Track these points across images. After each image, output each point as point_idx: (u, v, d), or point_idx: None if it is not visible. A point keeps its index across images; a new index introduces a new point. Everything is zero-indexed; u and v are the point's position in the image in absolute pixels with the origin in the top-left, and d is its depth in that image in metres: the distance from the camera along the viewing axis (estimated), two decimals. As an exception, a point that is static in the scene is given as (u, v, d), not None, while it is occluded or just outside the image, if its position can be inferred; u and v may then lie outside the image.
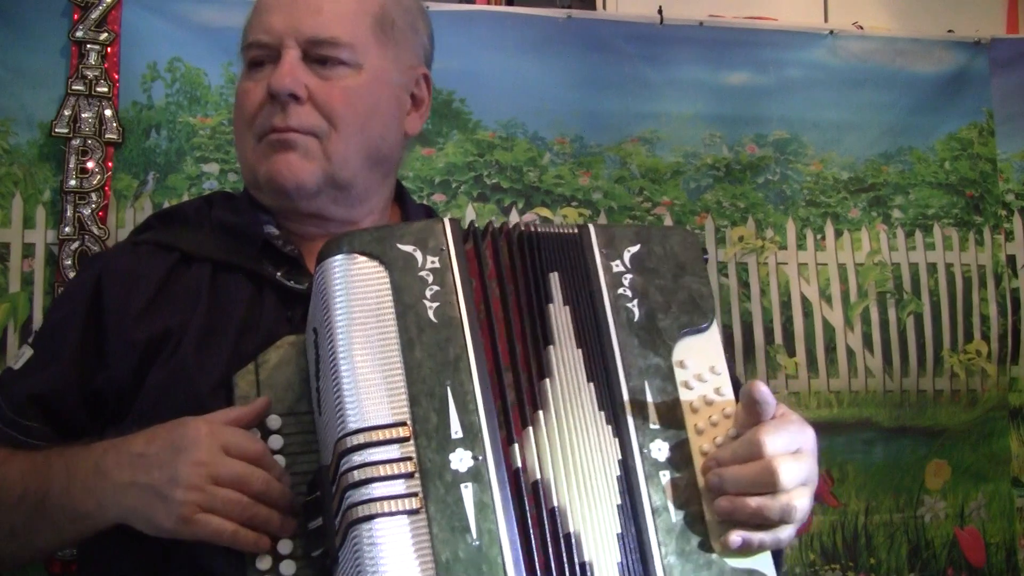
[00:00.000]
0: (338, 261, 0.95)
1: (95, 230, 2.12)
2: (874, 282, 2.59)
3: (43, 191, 2.15)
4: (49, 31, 2.17)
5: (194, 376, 1.10)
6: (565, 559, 0.89)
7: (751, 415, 0.96)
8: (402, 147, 1.30)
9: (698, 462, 0.96)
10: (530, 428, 0.93)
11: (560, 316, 0.99)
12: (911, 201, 2.64)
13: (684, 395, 0.99)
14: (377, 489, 0.86)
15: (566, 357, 0.98)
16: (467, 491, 0.87)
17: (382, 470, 0.87)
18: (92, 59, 2.17)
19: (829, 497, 2.47)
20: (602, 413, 0.96)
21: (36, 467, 1.06)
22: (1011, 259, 2.68)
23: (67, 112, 2.15)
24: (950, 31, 2.71)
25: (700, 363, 1.01)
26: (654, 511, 0.93)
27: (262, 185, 1.21)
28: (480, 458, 0.88)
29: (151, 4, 2.23)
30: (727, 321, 2.47)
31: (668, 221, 2.48)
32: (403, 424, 0.88)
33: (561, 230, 1.04)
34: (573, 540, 0.90)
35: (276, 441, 1.00)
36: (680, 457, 0.96)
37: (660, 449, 0.96)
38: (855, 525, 2.48)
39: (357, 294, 0.93)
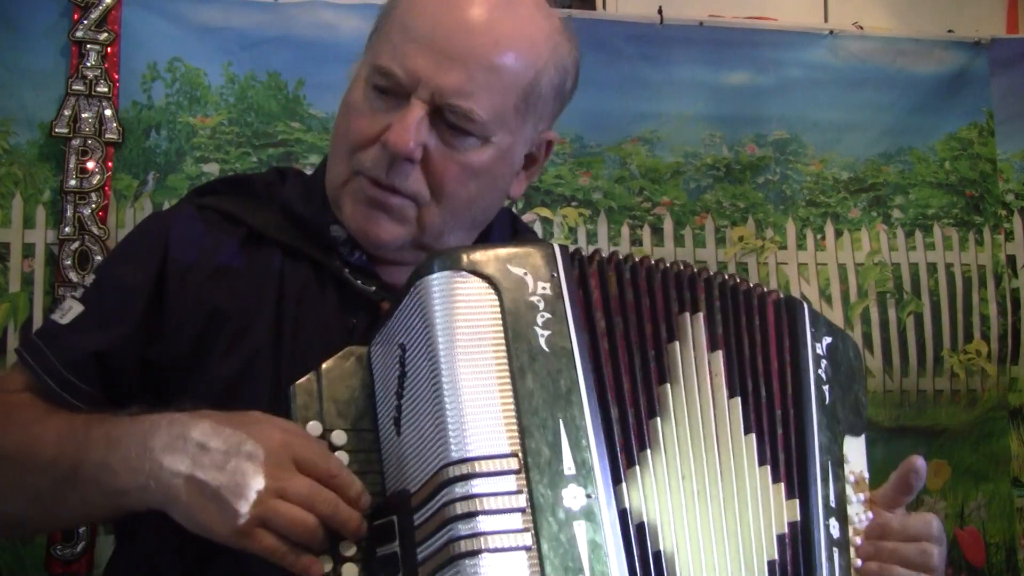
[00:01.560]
0: (443, 277, 0.87)
1: (95, 230, 2.12)
2: (874, 282, 2.59)
3: (43, 191, 2.15)
4: (49, 31, 2.18)
5: (262, 380, 1.05)
6: None
7: (902, 484, 1.03)
8: (499, 207, 1.21)
9: (852, 554, 0.99)
10: (636, 468, 0.89)
11: (693, 358, 0.96)
12: (911, 201, 2.64)
13: (847, 489, 1.02)
14: (485, 524, 0.81)
15: (697, 399, 0.95)
16: (580, 529, 0.82)
17: (491, 503, 0.81)
18: (92, 59, 2.17)
19: (829, 497, 2.47)
20: (765, 468, 0.95)
21: (74, 431, 0.97)
22: (1011, 259, 2.68)
23: (67, 112, 2.15)
24: (950, 31, 2.71)
25: (856, 465, 1.04)
26: None
27: (344, 222, 1.13)
28: (593, 496, 0.84)
29: (151, 4, 2.23)
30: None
31: (668, 221, 2.49)
32: (514, 455, 0.83)
33: (754, 288, 1.04)
34: None
35: (342, 458, 0.94)
36: (845, 542, 0.98)
37: (834, 527, 0.97)
38: (855, 525, 2.48)
39: (463, 314, 0.86)
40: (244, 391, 1.00)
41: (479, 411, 0.84)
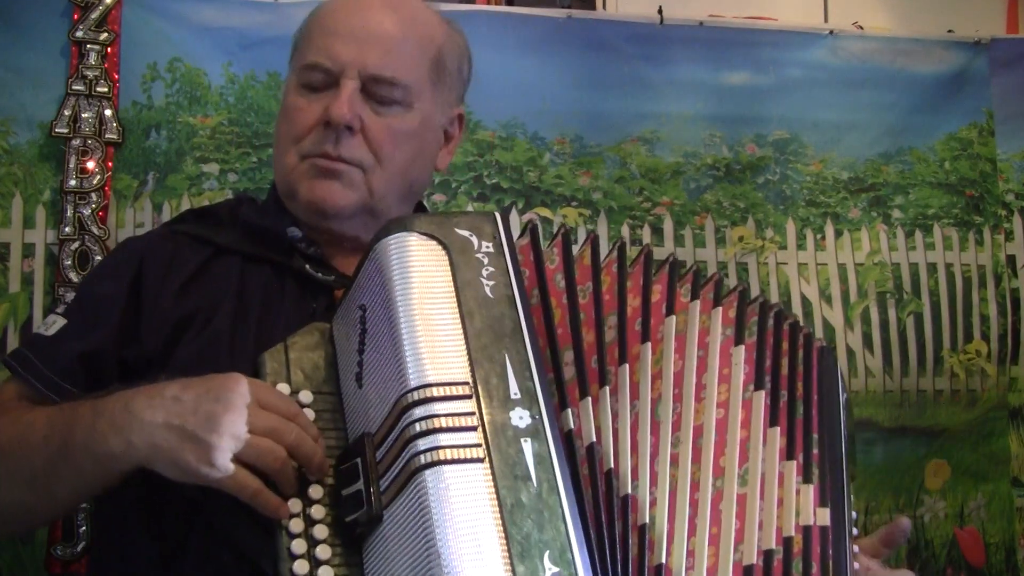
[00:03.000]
0: (397, 238, 0.99)
1: (95, 230, 2.12)
2: (874, 282, 2.59)
3: (43, 191, 2.15)
4: (49, 31, 2.17)
5: (222, 353, 1.14)
6: (617, 516, 0.98)
7: (888, 538, 1.22)
8: (429, 179, 1.39)
9: None
10: (589, 399, 1.01)
11: (696, 336, 1.10)
12: (911, 201, 2.64)
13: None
14: (444, 439, 0.90)
15: (693, 367, 1.08)
16: (527, 445, 0.92)
17: (448, 422, 0.91)
18: (92, 59, 2.17)
19: (829, 497, 2.47)
20: (791, 464, 1.09)
21: (62, 411, 1.07)
22: (1011, 259, 2.68)
23: (67, 112, 2.15)
24: (950, 31, 2.71)
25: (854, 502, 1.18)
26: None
27: (300, 203, 1.26)
28: (537, 417, 0.94)
29: (151, 4, 2.23)
30: (727, 321, 2.47)
31: (668, 221, 2.49)
32: (466, 383, 0.94)
33: (800, 326, 1.19)
34: (630, 502, 0.99)
35: (308, 415, 1.04)
36: (852, 562, 1.11)
37: (851, 548, 1.10)
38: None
39: (416, 268, 0.98)
40: (205, 368, 1.08)
41: (434, 344, 0.94)
